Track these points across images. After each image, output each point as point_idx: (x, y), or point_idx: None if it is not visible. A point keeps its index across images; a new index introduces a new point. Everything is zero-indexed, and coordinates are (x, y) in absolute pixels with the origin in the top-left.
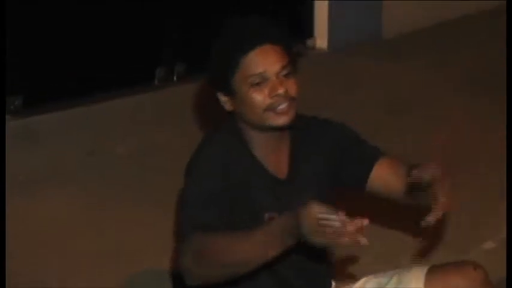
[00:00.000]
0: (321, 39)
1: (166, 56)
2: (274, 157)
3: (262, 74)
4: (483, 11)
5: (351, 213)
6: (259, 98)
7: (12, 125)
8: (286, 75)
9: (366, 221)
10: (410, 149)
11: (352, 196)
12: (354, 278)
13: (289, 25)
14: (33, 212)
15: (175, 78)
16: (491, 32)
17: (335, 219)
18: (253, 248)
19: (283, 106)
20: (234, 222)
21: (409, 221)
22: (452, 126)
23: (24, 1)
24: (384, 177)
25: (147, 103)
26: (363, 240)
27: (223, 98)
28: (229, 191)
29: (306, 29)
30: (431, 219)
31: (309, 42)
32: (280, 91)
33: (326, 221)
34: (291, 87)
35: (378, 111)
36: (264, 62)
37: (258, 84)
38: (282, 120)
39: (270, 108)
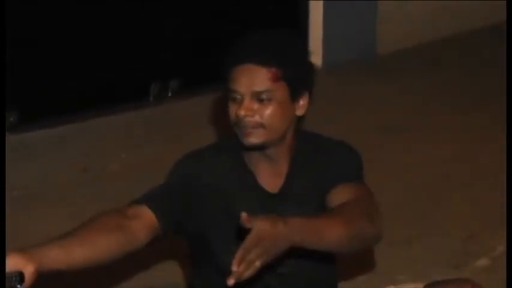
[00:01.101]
0: (315, 56)
1: (160, 73)
2: (269, 170)
3: (236, 91)
4: (479, 28)
5: None
6: (231, 112)
7: (7, 140)
8: (262, 100)
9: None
10: (409, 165)
11: None
12: None
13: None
14: (26, 226)
15: (169, 95)
16: (488, 48)
17: None
18: None
19: (246, 129)
20: (209, 226)
21: (405, 237)
22: (450, 142)
23: (20, 20)
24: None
25: (142, 119)
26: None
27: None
28: (201, 195)
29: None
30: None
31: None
32: (241, 113)
33: None
34: (262, 114)
35: (374, 128)
36: (239, 80)
37: (233, 99)
38: (246, 140)
39: (236, 125)
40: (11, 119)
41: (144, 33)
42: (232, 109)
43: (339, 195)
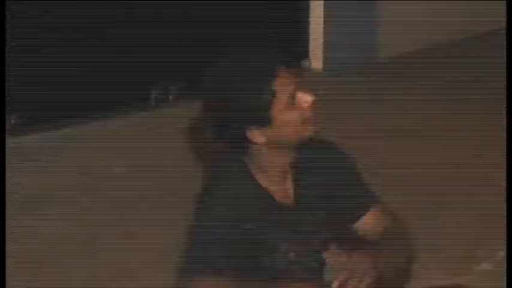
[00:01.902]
0: (316, 60)
1: (161, 77)
2: (280, 182)
3: (294, 94)
4: (479, 32)
5: None
6: (297, 113)
7: (7, 143)
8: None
9: None
10: (409, 165)
11: None
12: None
13: (284, 45)
14: (27, 229)
15: (170, 99)
16: (489, 51)
17: None
18: None
19: (313, 118)
20: (251, 258)
21: None
22: (450, 142)
23: (20, 21)
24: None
25: (142, 123)
26: None
27: (257, 133)
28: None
29: (301, 49)
30: None
31: (304, 63)
32: (312, 97)
33: None
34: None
35: (375, 130)
36: (286, 84)
37: (291, 102)
38: (315, 128)
39: (308, 119)
40: (12, 122)
41: (146, 37)
42: (297, 109)
43: (371, 224)
